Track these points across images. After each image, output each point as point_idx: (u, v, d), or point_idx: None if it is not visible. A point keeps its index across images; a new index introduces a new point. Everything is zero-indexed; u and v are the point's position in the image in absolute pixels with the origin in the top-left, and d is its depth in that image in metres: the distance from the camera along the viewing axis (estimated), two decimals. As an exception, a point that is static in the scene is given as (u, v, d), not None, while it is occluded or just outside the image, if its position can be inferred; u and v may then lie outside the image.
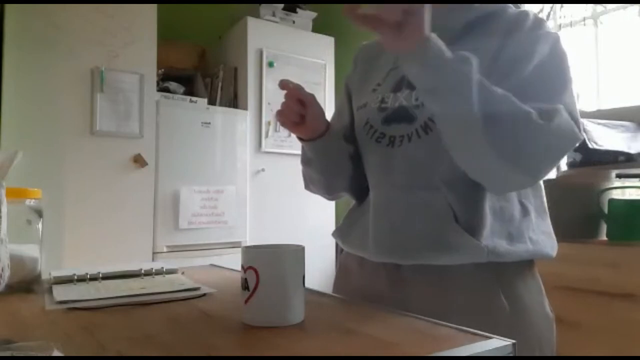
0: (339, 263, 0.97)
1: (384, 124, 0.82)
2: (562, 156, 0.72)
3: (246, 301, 0.60)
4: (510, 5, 0.82)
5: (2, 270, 0.67)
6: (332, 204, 2.99)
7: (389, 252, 0.78)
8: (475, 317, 0.58)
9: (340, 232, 0.92)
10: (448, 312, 0.63)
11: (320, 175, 0.93)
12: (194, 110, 2.58)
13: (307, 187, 1.01)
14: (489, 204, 0.74)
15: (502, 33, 0.76)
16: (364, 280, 0.86)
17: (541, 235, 0.78)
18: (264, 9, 2.87)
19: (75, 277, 0.89)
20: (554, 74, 0.73)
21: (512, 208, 0.76)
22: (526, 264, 0.78)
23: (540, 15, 0.78)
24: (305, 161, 0.94)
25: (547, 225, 0.81)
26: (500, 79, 0.70)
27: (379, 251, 0.80)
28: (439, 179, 0.75)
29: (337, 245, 3.12)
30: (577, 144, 0.72)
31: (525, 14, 0.77)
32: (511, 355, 0.51)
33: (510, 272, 0.76)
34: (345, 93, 1.00)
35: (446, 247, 0.73)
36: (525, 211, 0.77)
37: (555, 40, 0.75)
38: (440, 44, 0.66)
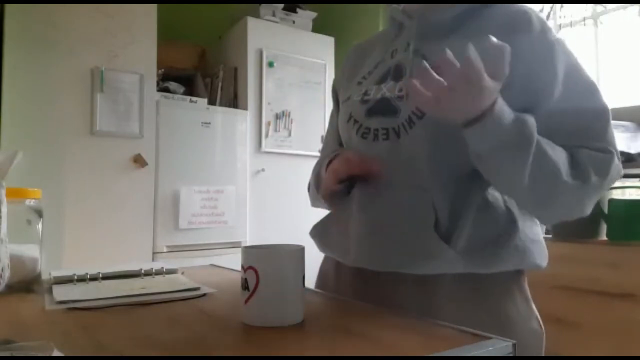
0: (319, 269, 0.92)
1: (367, 116, 0.78)
2: None
3: (246, 301, 0.60)
4: None
5: (2, 270, 0.67)
6: (332, 204, 2.98)
7: (367, 256, 0.74)
8: None
9: (318, 231, 0.87)
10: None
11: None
12: (194, 110, 2.58)
13: (314, 206, 0.97)
14: (472, 210, 0.70)
15: (501, 30, 0.70)
16: (340, 289, 0.82)
17: (529, 244, 0.72)
18: (264, 9, 2.87)
19: (75, 277, 0.89)
20: (586, 95, 0.71)
21: (497, 215, 0.72)
22: (512, 275, 0.73)
23: (540, 13, 0.75)
24: (330, 202, 0.87)
25: (537, 232, 0.75)
26: (528, 100, 0.68)
27: (357, 255, 0.76)
28: (429, 178, 0.72)
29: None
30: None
31: (524, 12, 0.72)
32: (511, 355, 0.51)
33: (493, 283, 0.71)
34: (333, 97, 0.97)
35: (422, 254, 0.69)
36: (511, 217, 0.72)
37: (564, 47, 0.72)
38: (502, 110, 0.63)
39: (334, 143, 0.94)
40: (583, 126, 0.70)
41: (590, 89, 0.72)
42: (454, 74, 0.59)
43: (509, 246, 0.70)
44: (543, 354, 0.74)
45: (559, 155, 0.66)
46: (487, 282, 0.71)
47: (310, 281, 0.85)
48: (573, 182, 0.66)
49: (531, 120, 0.65)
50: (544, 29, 0.72)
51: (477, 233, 0.69)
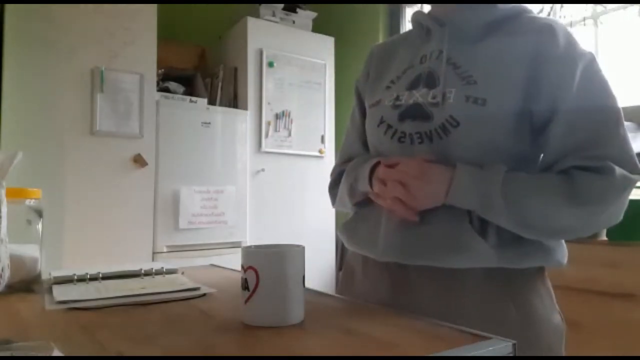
0: (344, 265, 0.95)
1: (400, 121, 0.80)
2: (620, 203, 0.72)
3: (246, 301, 0.60)
4: (526, 10, 0.81)
5: (2, 270, 0.68)
6: (332, 204, 2.98)
7: (398, 249, 0.76)
8: (483, 326, 0.56)
9: (347, 228, 0.89)
10: (454, 320, 0.60)
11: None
12: (194, 110, 2.58)
13: (337, 208, 0.98)
14: None
15: (528, 40, 0.74)
16: (367, 284, 0.84)
17: (553, 243, 0.76)
18: (264, 9, 2.87)
19: (75, 277, 0.89)
20: (598, 107, 0.72)
21: None
22: (537, 271, 0.76)
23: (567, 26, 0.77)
24: (355, 203, 0.89)
25: None
26: (546, 112, 0.72)
27: (387, 249, 0.77)
28: None
29: (337, 245, 3.12)
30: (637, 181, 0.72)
31: (551, 27, 0.74)
32: (511, 355, 0.51)
33: (522, 279, 0.74)
34: (355, 96, 0.98)
35: (456, 248, 0.71)
36: None
37: (591, 61, 0.73)
38: (463, 191, 0.71)
39: (357, 142, 0.95)
40: (586, 137, 0.71)
41: (599, 99, 0.73)
42: (392, 180, 0.75)
43: (535, 243, 0.73)
44: (563, 348, 0.77)
45: (547, 190, 0.70)
46: (515, 278, 0.73)
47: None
48: (574, 210, 0.69)
49: (496, 182, 0.70)
50: (569, 43, 0.73)
51: (507, 230, 0.71)
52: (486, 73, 0.74)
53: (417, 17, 0.87)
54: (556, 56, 0.72)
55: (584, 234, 0.73)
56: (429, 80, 0.79)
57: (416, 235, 0.74)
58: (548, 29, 0.74)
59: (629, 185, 0.70)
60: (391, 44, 0.96)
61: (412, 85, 0.81)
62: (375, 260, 0.80)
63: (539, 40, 0.74)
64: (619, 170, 0.68)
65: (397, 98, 0.81)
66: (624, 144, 0.71)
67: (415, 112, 0.78)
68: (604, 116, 0.72)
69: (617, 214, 0.72)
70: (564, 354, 0.76)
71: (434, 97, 0.76)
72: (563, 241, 0.79)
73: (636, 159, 0.71)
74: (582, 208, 0.69)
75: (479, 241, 0.70)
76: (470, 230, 0.71)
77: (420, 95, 0.78)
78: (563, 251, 0.77)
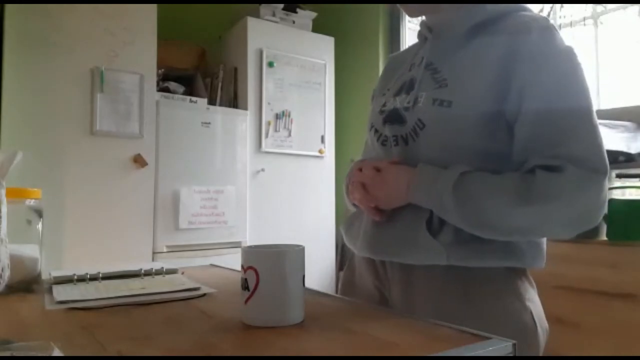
0: (349, 259, 0.99)
1: (383, 125, 0.84)
2: (589, 206, 0.67)
3: (246, 301, 0.60)
4: (519, 9, 0.79)
5: (2, 270, 0.67)
6: (332, 204, 2.99)
7: (370, 246, 0.81)
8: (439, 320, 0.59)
9: (344, 225, 0.94)
10: (415, 313, 0.64)
11: None
12: (194, 110, 2.58)
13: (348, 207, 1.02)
14: None
15: (506, 42, 0.73)
16: (362, 277, 0.89)
17: (522, 244, 0.74)
18: (264, 9, 2.87)
19: (75, 277, 0.89)
20: (564, 104, 0.69)
21: None
22: (501, 271, 0.74)
23: (549, 19, 0.75)
24: (353, 203, 0.93)
25: None
26: (516, 110, 0.71)
27: (363, 244, 0.83)
28: None
29: (337, 245, 3.12)
30: (605, 179, 0.67)
31: (526, 23, 0.73)
32: (511, 355, 0.51)
33: (480, 278, 0.73)
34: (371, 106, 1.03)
35: (410, 245, 0.75)
36: None
37: (567, 56, 0.71)
38: (420, 195, 0.74)
39: (372, 148, 1.00)
40: (550, 136, 0.69)
41: (567, 96, 0.70)
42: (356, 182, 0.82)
43: (495, 244, 0.72)
44: (540, 349, 0.74)
45: (501, 189, 0.69)
46: (475, 275, 0.73)
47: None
48: (525, 209, 0.67)
49: (449, 186, 0.70)
50: (542, 39, 0.71)
51: (463, 230, 0.72)
52: (459, 75, 0.75)
53: (419, 27, 0.91)
54: (527, 53, 0.71)
55: (546, 234, 0.72)
56: (409, 87, 0.82)
57: (383, 232, 0.79)
58: (524, 27, 0.73)
59: (589, 182, 0.66)
60: (400, 56, 1.00)
61: (397, 92, 0.85)
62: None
63: (513, 39, 0.72)
64: (573, 168, 0.66)
65: (384, 104, 0.86)
66: (592, 141, 0.68)
67: (393, 117, 0.82)
68: (570, 113, 0.69)
69: (587, 214, 0.68)
70: (539, 353, 0.74)
71: (408, 102, 0.80)
72: (540, 242, 0.77)
73: (604, 157, 0.68)
74: (534, 207, 0.67)
75: (429, 239, 0.73)
76: (423, 228, 0.74)
77: (399, 101, 0.82)
78: (536, 253, 0.76)
